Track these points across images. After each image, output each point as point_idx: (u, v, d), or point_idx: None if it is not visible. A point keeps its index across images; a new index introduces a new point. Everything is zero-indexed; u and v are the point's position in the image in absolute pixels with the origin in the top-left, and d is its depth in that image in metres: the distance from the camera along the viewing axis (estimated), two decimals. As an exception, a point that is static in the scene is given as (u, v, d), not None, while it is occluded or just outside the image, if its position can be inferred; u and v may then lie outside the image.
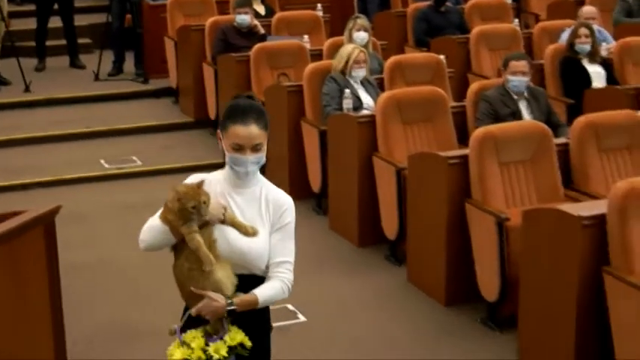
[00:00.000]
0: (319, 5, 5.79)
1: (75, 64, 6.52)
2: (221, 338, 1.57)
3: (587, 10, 5.04)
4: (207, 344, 1.56)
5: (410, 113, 3.70)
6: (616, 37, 5.04)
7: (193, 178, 1.66)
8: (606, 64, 4.48)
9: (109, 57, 6.24)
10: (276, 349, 1.85)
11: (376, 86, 4.16)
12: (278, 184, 1.77)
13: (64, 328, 2.53)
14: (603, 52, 4.59)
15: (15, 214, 2.36)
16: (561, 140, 3.36)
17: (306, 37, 5.09)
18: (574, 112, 3.95)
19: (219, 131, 1.72)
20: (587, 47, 4.40)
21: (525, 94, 3.72)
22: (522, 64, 3.68)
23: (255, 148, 1.63)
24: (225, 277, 1.59)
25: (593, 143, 3.22)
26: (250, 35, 5.09)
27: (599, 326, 2.45)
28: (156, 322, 3.05)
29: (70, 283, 2.90)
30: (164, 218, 1.61)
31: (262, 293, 1.62)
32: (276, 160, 4.29)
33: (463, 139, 3.66)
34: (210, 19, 5.41)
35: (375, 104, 3.82)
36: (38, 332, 2.40)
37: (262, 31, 5.17)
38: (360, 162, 3.63)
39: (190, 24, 5.57)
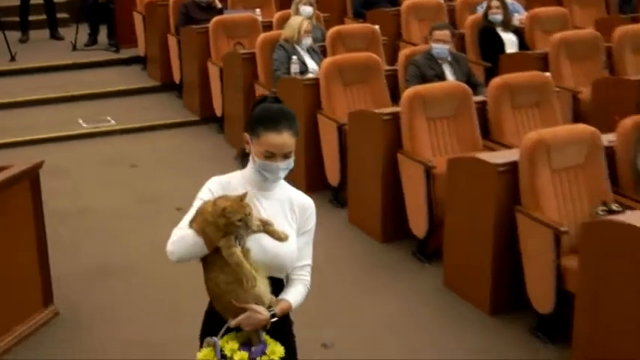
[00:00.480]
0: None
1: (55, 36, 6.15)
2: (263, 353, 1.33)
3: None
4: (252, 359, 1.32)
5: (349, 76, 3.48)
6: (527, 8, 4.90)
7: (215, 182, 1.41)
8: (518, 32, 4.33)
9: (84, 30, 5.88)
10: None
11: (320, 53, 3.91)
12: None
13: (50, 269, 2.46)
14: (515, 22, 4.44)
15: (2, 168, 2.32)
16: (479, 98, 3.22)
17: (258, 10, 4.83)
18: (490, 74, 3.80)
19: (247, 135, 1.41)
20: (499, 17, 4.22)
21: (448, 58, 3.53)
22: (444, 33, 3.52)
23: (287, 155, 1.35)
24: (264, 287, 1.34)
25: (507, 100, 3.09)
26: (209, 9, 4.79)
27: (512, 256, 2.37)
28: (133, 259, 2.99)
29: (54, 230, 2.72)
30: (200, 231, 1.32)
31: (295, 299, 1.39)
32: (233, 118, 4.15)
33: (395, 99, 3.46)
34: (174, -5, 5.09)
35: (319, 69, 3.58)
36: (26, 273, 2.35)
37: (219, 5, 4.92)
38: (305, 120, 3.38)
39: (156, 0, 5.19)
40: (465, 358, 2.23)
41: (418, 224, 2.83)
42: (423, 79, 3.37)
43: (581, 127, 2.51)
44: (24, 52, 5.61)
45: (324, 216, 3.37)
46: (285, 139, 1.34)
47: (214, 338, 1.34)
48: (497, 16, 4.23)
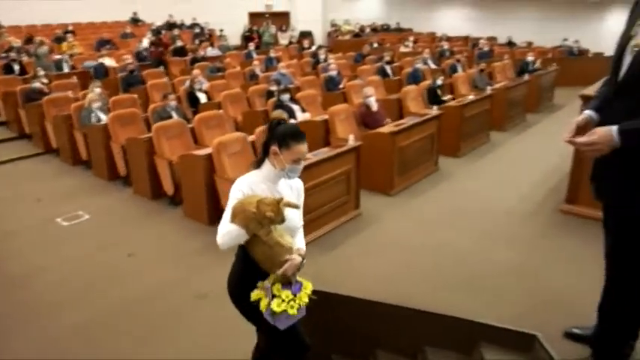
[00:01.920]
0: None
1: None
2: (300, 289, 1.87)
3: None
4: (294, 294, 1.84)
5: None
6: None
7: (243, 183, 1.95)
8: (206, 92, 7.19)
9: None
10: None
11: (107, 111, 5.92)
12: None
13: None
14: (204, 87, 7.27)
15: None
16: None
17: (70, 92, 9.02)
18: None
19: (276, 148, 1.93)
20: (199, 86, 6.97)
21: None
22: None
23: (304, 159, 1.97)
24: (291, 242, 1.90)
25: (204, 125, 5.67)
26: (42, 93, 7.52)
27: (215, 195, 4.79)
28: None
29: None
30: (244, 225, 1.81)
31: (303, 246, 2.00)
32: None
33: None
34: None
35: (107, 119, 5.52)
36: None
37: (47, 90, 7.77)
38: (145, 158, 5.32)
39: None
40: (200, 247, 4.46)
41: (168, 188, 5.06)
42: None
43: (238, 134, 5.24)
44: None
45: (164, 213, 5.14)
46: (306, 147, 1.93)
47: (266, 283, 1.87)
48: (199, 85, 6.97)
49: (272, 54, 11.77)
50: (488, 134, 7.41)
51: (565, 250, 3.60)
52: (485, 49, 13.48)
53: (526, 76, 9.37)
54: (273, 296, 1.84)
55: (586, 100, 3.66)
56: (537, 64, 10.71)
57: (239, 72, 9.89)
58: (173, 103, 6.28)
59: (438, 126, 5.92)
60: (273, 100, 6.88)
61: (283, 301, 1.82)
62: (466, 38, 16.43)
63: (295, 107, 6.69)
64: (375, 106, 6.28)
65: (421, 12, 18.49)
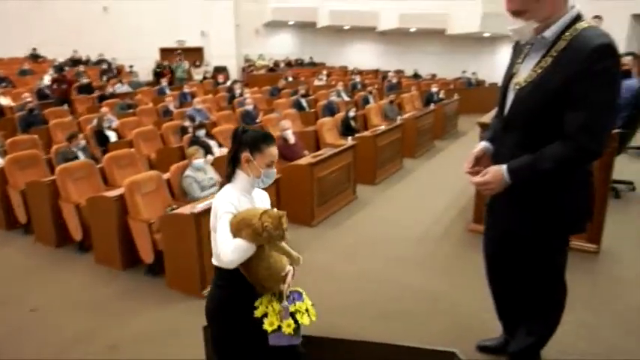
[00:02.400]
0: None
1: None
2: (301, 297, 1.94)
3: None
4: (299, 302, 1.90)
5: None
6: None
7: (230, 197, 1.87)
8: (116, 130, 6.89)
9: None
10: None
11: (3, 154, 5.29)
12: None
13: None
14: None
15: None
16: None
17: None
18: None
19: (248, 154, 1.89)
20: (108, 124, 6.70)
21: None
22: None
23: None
24: (289, 254, 1.94)
25: (114, 164, 5.44)
26: None
27: (130, 238, 4.57)
28: None
29: None
30: (254, 239, 1.77)
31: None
32: None
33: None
34: None
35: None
36: None
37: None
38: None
39: None
40: (113, 294, 4.19)
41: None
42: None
43: (152, 172, 5.08)
44: None
45: (72, 261, 4.62)
46: (276, 150, 1.94)
47: (286, 303, 1.86)
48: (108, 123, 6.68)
49: (186, 89, 11.64)
50: (402, 161, 7.81)
51: (475, 268, 3.85)
52: (394, 81, 14.32)
53: (432, 106, 10.06)
54: (291, 314, 1.83)
55: (483, 127, 4.03)
56: (441, 95, 11.55)
57: (151, 108, 9.64)
58: (83, 142, 5.96)
59: (354, 155, 6.15)
60: (188, 136, 6.78)
61: (298, 312, 1.83)
62: (376, 71, 17.37)
63: (212, 143, 6.63)
64: (292, 139, 6.39)
65: (333, 47, 19.30)
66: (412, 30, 17.64)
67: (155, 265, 4.32)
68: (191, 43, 17.86)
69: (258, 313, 1.85)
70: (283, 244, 1.88)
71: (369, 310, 3.31)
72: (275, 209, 1.85)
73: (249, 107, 9.16)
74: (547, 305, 2.26)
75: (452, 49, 18.24)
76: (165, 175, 4.95)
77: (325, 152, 5.74)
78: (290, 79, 15.28)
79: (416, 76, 16.96)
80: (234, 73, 18.08)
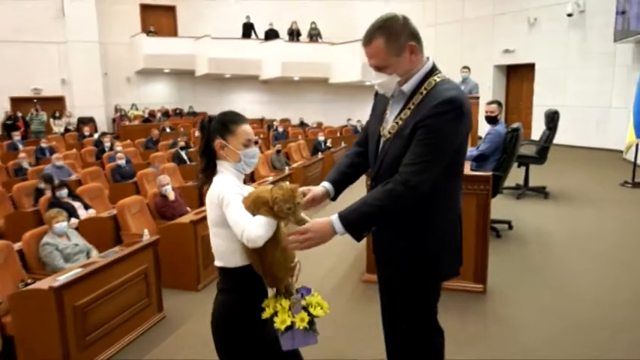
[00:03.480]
0: None
1: None
2: (310, 292, 1.96)
3: None
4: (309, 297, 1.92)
5: None
6: None
7: (234, 181, 1.90)
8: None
9: None
10: None
11: None
12: None
13: None
14: None
15: None
16: None
17: None
18: None
19: (221, 140, 1.89)
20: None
21: None
22: None
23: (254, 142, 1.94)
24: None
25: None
26: None
27: None
28: None
29: None
30: (272, 214, 1.78)
31: None
32: None
33: None
34: None
35: None
36: None
37: None
38: None
39: None
40: None
41: None
42: None
43: (1, 242, 4.56)
44: None
45: None
46: (250, 128, 1.94)
47: (298, 296, 1.89)
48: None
49: (43, 144, 10.86)
50: (292, 213, 7.91)
51: (372, 321, 3.97)
52: (280, 130, 14.73)
53: (320, 155, 10.47)
54: (303, 308, 1.82)
55: (366, 175, 4.26)
56: (329, 143, 12.10)
57: (0, 167, 8.79)
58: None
59: (241, 210, 6.10)
60: (46, 197, 6.25)
61: (310, 305, 1.82)
62: (261, 120, 17.73)
63: (76, 204, 6.18)
64: (172, 195, 6.21)
65: (215, 96, 19.38)
66: (296, 79, 18.46)
67: (4, 356, 3.80)
68: (49, 92, 16.76)
69: (266, 314, 1.83)
70: (303, 215, 1.87)
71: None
72: (287, 182, 1.85)
73: (122, 162, 8.76)
74: (423, 353, 2.33)
75: (336, 98, 19.35)
76: (17, 245, 4.48)
77: (209, 208, 5.63)
78: (168, 129, 14.98)
79: (302, 124, 17.63)
80: (103, 125, 17.25)
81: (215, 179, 1.92)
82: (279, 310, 1.84)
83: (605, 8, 12.48)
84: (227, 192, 1.84)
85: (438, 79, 2.06)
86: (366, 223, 2.01)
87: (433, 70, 2.11)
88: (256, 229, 1.75)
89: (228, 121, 1.91)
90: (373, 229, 2.06)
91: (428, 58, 2.14)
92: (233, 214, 1.80)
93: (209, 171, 1.94)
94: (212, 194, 1.88)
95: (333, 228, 1.99)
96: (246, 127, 1.94)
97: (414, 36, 2.02)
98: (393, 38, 1.98)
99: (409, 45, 2.01)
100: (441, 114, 1.92)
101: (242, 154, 1.92)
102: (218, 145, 1.90)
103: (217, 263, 1.97)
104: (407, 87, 2.09)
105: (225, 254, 1.90)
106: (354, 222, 1.98)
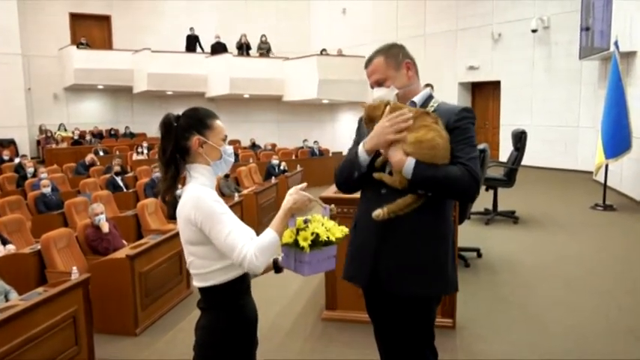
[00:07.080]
0: None
1: None
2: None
3: None
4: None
5: None
6: None
7: (212, 193, 1.83)
8: None
9: None
10: None
11: None
12: None
13: None
14: None
15: None
16: None
17: None
18: None
19: (198, 137, 1.84)
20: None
21: None
22: None
23: None
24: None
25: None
26: None
27: None
28: None
29: None
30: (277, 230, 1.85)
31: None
32: None
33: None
34: None
35: None
36: None
37: None
38: None
39: None
40: None
41: None
42: None
43: None
44: None
45: None
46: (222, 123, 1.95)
47: (326, 208, 2.08)
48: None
49: (-46, 170, 10.37)
50: (243, 245, 7.85)
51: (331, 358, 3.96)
52: (229, 153, 14.64)
53: (274, 180, 10.47)
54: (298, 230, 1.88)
55: (327, 202, 4.31)
56: (283, 166, 12.14)
57: None
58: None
59: (185, 242, 6.01)
60: (-43, 232, 5.96)
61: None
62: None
63: (-7, 239, 5.92)
64: (106, 227, 6.05)
65: (155, 115, 19.07)
66: (246, 96, 18.50)
67: None
68: (-40, 110, 16.12)
69: (286, 238, 1.91)
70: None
71: None
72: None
73: (47, 190, 8.50)
74: None
75: (291, 117, 19.51)
76: None
77: (149, 241, 5.52)
78: (101, 153, 14.66)
79: (254, 146, 17.61)
80: (25, 148, 16.68)
81: (187, 189, 1.86)
82: (285, 233, 1.92)
83: (569, 25, 13.22)
84: (207, 209, 1.76)
85: (439, 101, 2.35)
86: (432, 182, 2.14)
87: (432, 96, 2.39)
88: (260, 256, 1.76)
89: (203, 116, 1.88)
90: (421, 192, 2.20)
91: (428, 85, 2.38)
92: (224, 237, 1.76)
93: (174, 178, 1.89)
94: (185, 210, 1.81)
95: (404, 162, 2.13)
96: (221, 123, 1.93)
97: (410, 57, 2.38)
98: (391, 55, 2.33)
99: (406, 62, 2.34)
100: (466, 118, 2.22)
101: (224, 149, 1.91)
102: (196, 142, 1.84)
103: (197, 284, 1.93)
104: (417, 98, 2.35)
105: (206, 275, 1.86)
106: (425, 171, 2.12)
